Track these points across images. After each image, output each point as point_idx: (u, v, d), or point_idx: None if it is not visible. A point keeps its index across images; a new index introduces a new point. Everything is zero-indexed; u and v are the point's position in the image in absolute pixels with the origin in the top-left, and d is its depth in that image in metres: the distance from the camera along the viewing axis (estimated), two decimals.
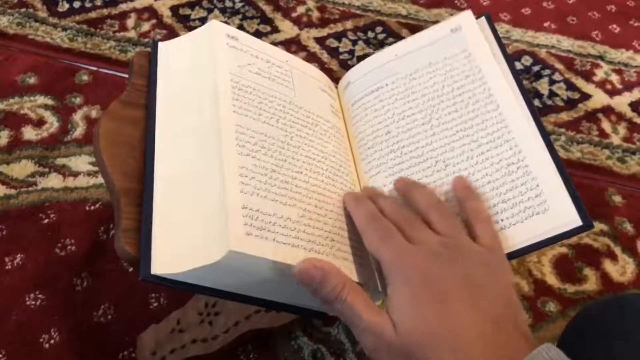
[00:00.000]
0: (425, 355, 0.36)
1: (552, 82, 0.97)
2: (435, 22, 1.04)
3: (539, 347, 0.34)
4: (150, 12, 1.03)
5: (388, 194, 0.47)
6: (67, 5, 1.02)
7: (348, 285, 0.38)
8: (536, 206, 0.43)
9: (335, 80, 0.56)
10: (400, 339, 0.36)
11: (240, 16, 1.04)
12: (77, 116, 0.87)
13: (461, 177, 0.45)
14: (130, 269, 0.71)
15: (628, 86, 0.97)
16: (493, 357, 0.35)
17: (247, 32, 0.65)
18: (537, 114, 0.46)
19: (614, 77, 0.98)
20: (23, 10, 1.01)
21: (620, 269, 0.77)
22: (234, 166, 0.41)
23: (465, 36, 0.50)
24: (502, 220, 0.43)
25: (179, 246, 0.39)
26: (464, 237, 0.41)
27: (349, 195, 0.46)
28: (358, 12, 1.06)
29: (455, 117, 0.48)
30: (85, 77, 0.92)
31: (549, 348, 0.34)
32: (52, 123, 0.85)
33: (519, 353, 0.34)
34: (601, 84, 0.97)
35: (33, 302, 0.69)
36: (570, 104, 0.94)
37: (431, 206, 0.43)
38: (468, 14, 0.51)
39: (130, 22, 1.01)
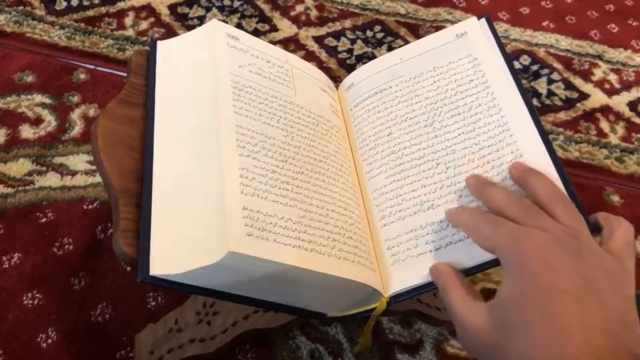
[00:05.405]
0: (517, 352, 0.32)
1: (550, 81, 0.97)
2: (434, 21, 1.04)
3: None
4: (149, 10, 1.03)
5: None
6: (64, 4, 1.02)
7: (448, 282, 0.39)
8: None
9: (334, 78, 0.56)
10: (491, 330, 0.34)
11: (238, 15, 1.04)
12: (75, 115, 0.86)
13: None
14: (128, 269, 0.71)
15: (626, 86, 0.97)
16: None
17: (246, 30, 0.65)
18: (537, 114, 0.46)
19: (612, 77, 0.98)
20: (20, 8, 1.00)
21: None
22: (234, 167, 0.41)
23: (470, 41, 0.51)
24: None
25: (178, 247, 0.39)
26: (589, 235, 0.36)
27: (449, 210, 0.42)
28: (356, 10, 1.06)
29: (458, 120, 0.48)
30: (82, 76, 0.91)
31: None
32: (50, 122, 0.85)
33: None
34: (599, 84, 0.97)
35: (30, 302, 0.68)
36: (569, 104, 0.94)
37: (554, 197, 0.38)
38: (473, 20, 0.52)
39: (129, 20, 1.01)
